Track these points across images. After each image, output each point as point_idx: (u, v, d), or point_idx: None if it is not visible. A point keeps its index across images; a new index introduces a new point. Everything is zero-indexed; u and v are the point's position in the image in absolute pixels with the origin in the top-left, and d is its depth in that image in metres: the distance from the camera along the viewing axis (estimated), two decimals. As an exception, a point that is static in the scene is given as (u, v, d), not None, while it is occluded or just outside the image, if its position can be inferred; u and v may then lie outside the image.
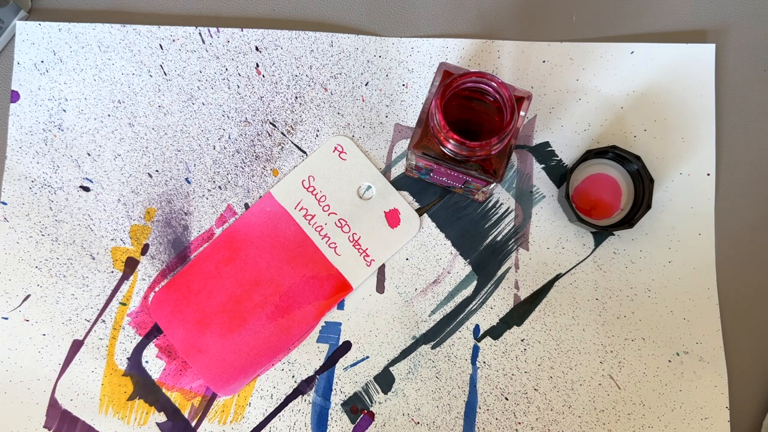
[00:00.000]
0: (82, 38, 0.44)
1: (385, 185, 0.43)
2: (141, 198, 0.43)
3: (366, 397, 0.41)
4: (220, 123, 0.44)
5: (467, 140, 0.33)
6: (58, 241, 0.43)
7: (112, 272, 0.43)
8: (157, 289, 0.42)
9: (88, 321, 0.42)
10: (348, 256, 0.42)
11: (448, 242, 0.43)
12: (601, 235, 0.42)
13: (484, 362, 0.41)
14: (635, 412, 0.41)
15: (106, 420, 0.41)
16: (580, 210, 0.42)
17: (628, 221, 0.41)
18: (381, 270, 0.42)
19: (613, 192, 0.42)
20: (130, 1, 0.45)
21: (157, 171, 0.43)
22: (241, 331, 0.42)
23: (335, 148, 0.43)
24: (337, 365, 0.42)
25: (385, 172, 0.43)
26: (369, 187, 0.43)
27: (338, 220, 0.42)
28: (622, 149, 0.41)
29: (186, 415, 0.41)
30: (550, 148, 0.43)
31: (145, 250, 0.43)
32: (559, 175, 0.43)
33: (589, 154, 0.41)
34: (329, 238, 0.42)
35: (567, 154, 0.43)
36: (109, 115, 0.44)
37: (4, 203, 0.43)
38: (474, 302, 0.42)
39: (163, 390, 0.42)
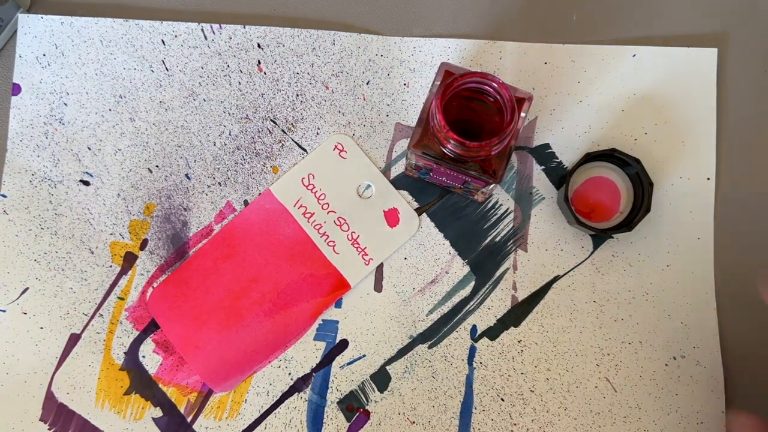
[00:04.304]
0: (84, 32, 0.44)
1: (385, 184, 0.43)
2: (141, 193, 0.43)
3: (362, 396, 0.41)
4: (220, 119, 0.44)
5: (467, 140, 0.33)
6: (57, 234, 0.43)
7: (111, 267, 0.43)
8: (155, 284, 0.42)
9: (86, 315, 0.42)
10: (346, 254, 0.42)
11: (447, 242, 0.43)
12: (599, 237, 0.42)
13: (481, 363, 0.41)
14: (631, 415, 0.41)
15: (102, 414, 0.41)
16: (579, 212, 0.42)
17: (627, 224, 0.41)
18: (379, 269, 0.42)
19: (612, 195, 0.42)
20: (133, -4, 0.45)
21: (157, 166, 0.43)
22: (239, 327, 0.42)
23: (335, 146, 0.43)
24: (334, 363, 0.42)
25: (385, 171, 0.43)
26: (368, 186, 0.43)
27: (337, 219, 0.42)
28: (622, 152, 0.41)
29: (182, 411, 0.41)
30: (550, 150, 0.43)
31: (144, 245, 0.43)
32: (559, 177, 0.43)
33: (589, 157, 0.41)
34: (328, 236, 0.42)
35: (567, 156, 0.43)
36: (110, 110, 0.44)
37: (4, 196, 0.43)
38: (471, 302, 0.42)
39: (160, 385, 0.42)
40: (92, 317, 0.42)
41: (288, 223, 0.42)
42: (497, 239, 0.43)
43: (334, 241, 0.42)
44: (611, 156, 0.41)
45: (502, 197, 0.43)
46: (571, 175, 0.41)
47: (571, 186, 0.42)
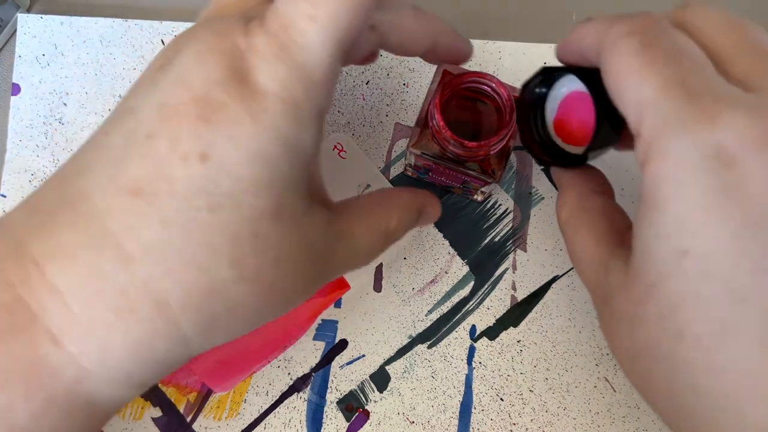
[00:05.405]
0: (84, 32, 0.44)
1: (384, 184, 0.43)
2: (140, 193, 0.43)
3: (361, 396, 0.41)
4: (220, 119, 0.44)
5: (466, 140, 0.33)
6: (56, 234, 0.43)
7: (110, 266, 0.43)
8: (154, 284, 0.42)
9: (86, 315, 0.42)
10: (346, 254, 0.42)
11: (446, 242, 0.43)
12: (599, 237, 0.42)
13: (480, 363, 0.41)
14: (630, 415, 0.41)
15: (102, 414, 0.41)
16: (567, 142, 0.31)
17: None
18: (378, 269, 0.42)
19: (588, 108, 0.29)
20: (133, -4, 0.45)
21: (156, 166, 0.43)
22: (238, 327, 0.42)
23: (335, 146, 0.43)
24: (333, 363, 0.42)
25: (384, 171, 0.43)
26: (368, 186, 0.43)
27: (337, 219, 0.42)
28: (553, 67, 0.31)
29: (181, 411, 0.41)
30: (549, 150, 0.43)
31: (143, 245, 0.43)
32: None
33: (525, 89, 0.31)
34: (327, 236, 0.42)
35: (566, 156, 0.43)
36: (109, 110, 0.44)
37: (4, 196, 0.43)
38: (471, 302, 0.42)
39: (159, 385, 0.42)
40: (92, 317, 0.42)
41: (287, 223, 0.42)
42: (496, 239, 0.43)
43: (333, 241, 0.42)
44: (548, 77, 0.31)
45: (501, 197, 0.43)
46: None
47: (548, 114, 0.32)
